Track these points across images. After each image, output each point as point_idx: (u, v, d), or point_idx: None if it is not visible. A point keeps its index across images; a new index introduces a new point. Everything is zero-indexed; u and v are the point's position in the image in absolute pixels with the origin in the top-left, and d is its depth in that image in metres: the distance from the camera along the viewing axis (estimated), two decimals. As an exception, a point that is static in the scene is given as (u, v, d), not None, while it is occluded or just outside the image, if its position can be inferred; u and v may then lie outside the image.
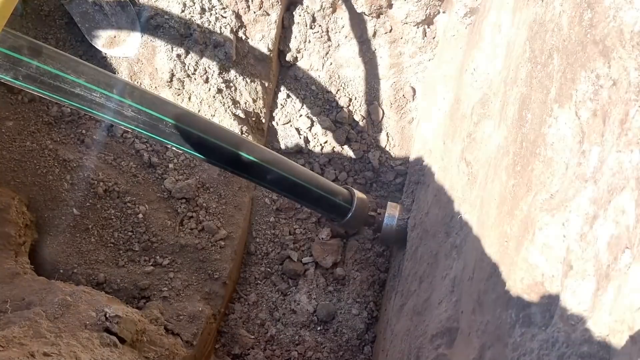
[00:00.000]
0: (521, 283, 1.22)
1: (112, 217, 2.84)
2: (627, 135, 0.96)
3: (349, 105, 3.33)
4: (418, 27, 3.07)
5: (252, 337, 3.00)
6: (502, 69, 2.01)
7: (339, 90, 3.32)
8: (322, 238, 3.23)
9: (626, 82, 1.01)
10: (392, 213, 2.86)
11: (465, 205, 2.01)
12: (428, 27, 3.11)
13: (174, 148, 2.52)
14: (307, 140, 3.34)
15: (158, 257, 2.84)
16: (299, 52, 3.25)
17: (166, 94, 2.98)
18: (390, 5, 3.04)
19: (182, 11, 2.87)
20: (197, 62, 2.95)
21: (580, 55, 1.20)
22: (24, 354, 1.55)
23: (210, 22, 2.92)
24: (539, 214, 1.20)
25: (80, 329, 1.93)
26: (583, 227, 1.04)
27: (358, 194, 2.84)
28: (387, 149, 3.36)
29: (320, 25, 3.18)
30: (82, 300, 2.06)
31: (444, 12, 3.02)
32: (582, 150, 1.12)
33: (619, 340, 0.86)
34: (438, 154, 2.57)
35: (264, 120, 3.25)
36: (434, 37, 3.12)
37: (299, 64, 3.30)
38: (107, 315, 2.01)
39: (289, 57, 3.25)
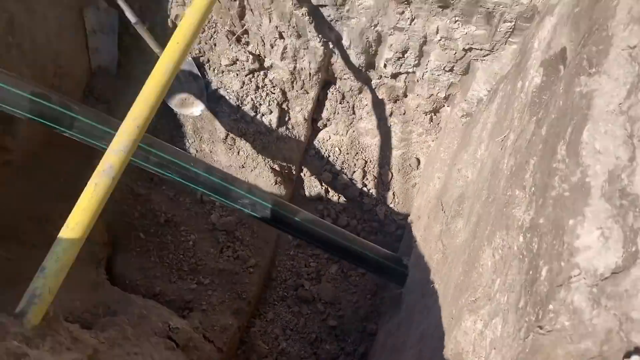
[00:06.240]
0: (450, 352, 1.95)
1: (169, 242, 3.62)
2: (507, 277, 1.69)
3: (365, 166, 4.07)
4: (426, 115, 3.80)
5: (267, 347, 3.75)
6: (476, 181, 2.71)
7: (357, 153, 4.06)
8: (332, 273, 3.96)
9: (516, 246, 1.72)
10: None
11: (437, 277, 2.73)
12: (434, 115, 3.83)
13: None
14: (327, 191, 4.09)
15: (201, 277, 3.61)
16: (328, 120, 3.99)
17: (220, 147, 3.74)
18: (405, 95, 3.77)
19: (241, 87, 3.63)
20: (247, 126, 3.71)
21: (500, 219, 1.91)
22: (124, 353, 2.31)
23: (261, 96, 3.67)
24: (465, 309, 1.92)
25: (152, 335, 2.69)
26: (482, 328, 1.76)
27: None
28: (392, 205, 4.09)
29: (347, 102, 3.92)
30: (153, 312, 2.83)
31: (448, 107, 3.73)
32: (492, 278, 1.85)
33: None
34: (422, 224, 3.28)
35: (294, 172, 4.00)
36: (438, 123, 3.84)
37: (327, 129, 4.04)
38: (171, 326, 2.77)
39: (319, 124, 4.00)
